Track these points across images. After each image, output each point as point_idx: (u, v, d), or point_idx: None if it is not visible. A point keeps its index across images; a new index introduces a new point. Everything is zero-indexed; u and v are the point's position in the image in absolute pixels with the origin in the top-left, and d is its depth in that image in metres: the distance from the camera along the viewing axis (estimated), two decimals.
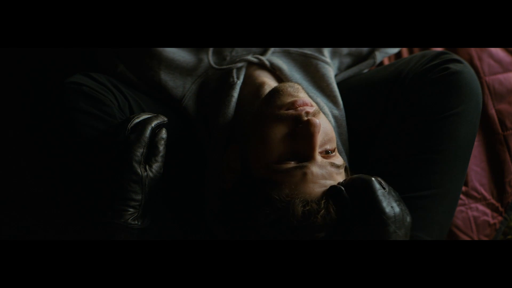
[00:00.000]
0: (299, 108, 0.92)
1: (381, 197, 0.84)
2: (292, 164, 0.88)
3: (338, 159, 0.92)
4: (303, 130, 0.89)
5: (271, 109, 0.93)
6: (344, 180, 0.88)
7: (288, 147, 0.90)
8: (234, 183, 0.94)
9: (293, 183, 0.86)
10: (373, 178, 0.85)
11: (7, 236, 1.24)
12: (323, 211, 0.83)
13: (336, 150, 0.94)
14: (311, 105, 0.93)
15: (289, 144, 0.90)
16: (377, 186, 0.84)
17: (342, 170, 0.92)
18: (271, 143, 0.90)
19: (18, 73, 1.32)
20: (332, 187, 0.86)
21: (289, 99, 0.93)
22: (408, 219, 0.87)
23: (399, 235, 0.84)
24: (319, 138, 0.89)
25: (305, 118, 0.90)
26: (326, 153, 0.92)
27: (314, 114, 0.92)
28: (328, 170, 0.88)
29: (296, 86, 0.97)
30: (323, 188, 0.87)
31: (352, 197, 0.84)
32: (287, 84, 0.97)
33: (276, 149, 0.90)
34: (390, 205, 0.84)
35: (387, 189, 0.86)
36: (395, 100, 1.03)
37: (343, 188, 0.85)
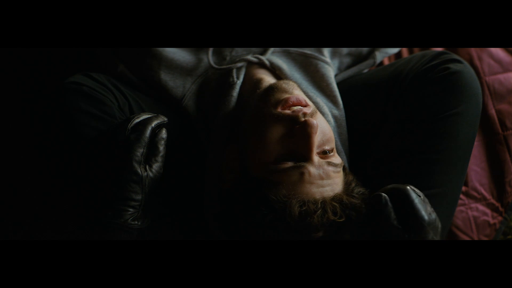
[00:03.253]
0: (296, 109, 0.92)
1: (420, 205, 0.86)
2: (289, 164, 0.88)
3: (336, 159, 0.92)
4: (300, 130, 0.89)
5: (267, 108, 0.94)
6: (381, 190, 0.89)
7: (285, 148, 0.90)
8: (233, 183, 0.94)
9: (290, 183, 0.86)
10: (408, 187, 0.87)
11: (7, 236, 1.24)
12: (320, 211, 0.84)
13: (334, 150, 0.94)
14: (306, 103, 0.94)
15: (286, 144, 0.90)
16: (414, 194, 0.86)
17: (340, 169, 0.92)
18: (268, 144, 0.90)
19: (18, 73, 1.33)
20: (377, 195, 0.87)
21: (283, 96, 0.94)
22: (440, 225, 0.88)
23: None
24: (317, 139, 0.89)
25: (302, 119, 0.90)
26: (324, 153, 0.92)
27: (312, 115, 0.92)
28: (325, 169, 0.88)
29: (291, 83, 0.98)
30: (320, 189, 0.87)
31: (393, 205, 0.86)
32: (282, 81, 0.98)
33: (273, 150, 0.90)
34: (428, 212, 0.86)
35: (422, 196, 0.88)
36: (395, 100, 1.03)
37: (387, 197, 0.86)
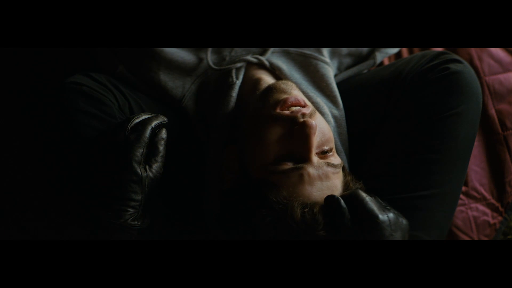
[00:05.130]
0: (295, 109, 0.92)
1: (371, 203, 0.84)
2: (288, 165, 0.88)
3: (336, 159, 0.92)
4: (299, 131, 0.89)
5: (266, 108, 0.93)
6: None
7: (284, 148, 0.90)
8: (233, 183, 0.94)
9: (290, 184, 0.86)
10: (358, 189, 0.87)
11: (7, 236, 1.24)
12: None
13: (333, 149, 0.94)
14: (305, 104, 0.94)
15: (285, 145, 0.90)
16: (364, 194, 0.85)
17: (340, 170, 0.92)
18: (267, 144, 0.90)
19: (18, 73, 1.32)
20: (330, 197, 0.85)
21: (282, 96, 0.94)
22: (404, 221, 0.87)
23: (396, 238, 0.84)
24: (316, 139, 0.89)
25: (301, 120, 0.90)
26: (323, 153, 0.92)
27: (311, 115, 0.92)
28: (324, 170, 0.88)
29: (290, 83, 0.97)
30: (320, 192, 0.87)
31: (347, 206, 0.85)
32: (280, 82, 0.98)
33: (272, 150, 0.90)
34: (382, 210, 0.85)
35: (374, 197, 0.87)
36: (395, 100, 1.03)
37: (341, 198, 0.85)
